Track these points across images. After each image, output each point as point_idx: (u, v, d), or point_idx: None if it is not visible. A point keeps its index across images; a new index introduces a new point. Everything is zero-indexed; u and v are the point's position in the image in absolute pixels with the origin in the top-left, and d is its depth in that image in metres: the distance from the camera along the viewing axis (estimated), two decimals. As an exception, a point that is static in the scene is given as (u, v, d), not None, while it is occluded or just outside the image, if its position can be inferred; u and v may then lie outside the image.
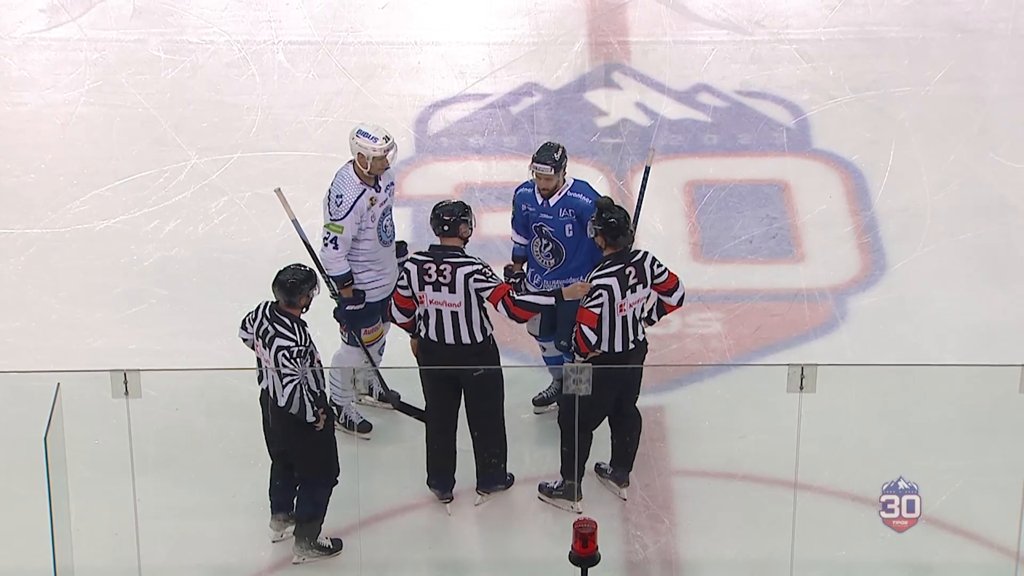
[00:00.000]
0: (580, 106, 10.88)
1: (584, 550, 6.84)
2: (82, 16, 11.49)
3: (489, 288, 7.74)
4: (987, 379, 8.24)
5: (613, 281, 7.72)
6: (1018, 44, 11.40)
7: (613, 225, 7.73)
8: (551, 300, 7.79)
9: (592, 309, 7.71)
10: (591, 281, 7.72)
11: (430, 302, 7.80)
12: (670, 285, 7.83)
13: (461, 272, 7.75)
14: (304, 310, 7.61)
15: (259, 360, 7.64)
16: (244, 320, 7.69)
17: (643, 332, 7.85)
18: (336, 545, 7.82)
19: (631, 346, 7.80)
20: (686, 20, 10.59)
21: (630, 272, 7.73)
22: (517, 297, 7.76)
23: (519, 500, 8.09)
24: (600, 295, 7.71)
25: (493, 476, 8.03)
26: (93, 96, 10.93)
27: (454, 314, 7.78)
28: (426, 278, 7.77)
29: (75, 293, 9.45)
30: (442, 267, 7.77)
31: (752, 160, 10.45)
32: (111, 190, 10.18)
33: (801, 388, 7.20)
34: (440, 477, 8.03)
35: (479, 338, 7.81)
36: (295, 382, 7.46)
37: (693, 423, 8.54)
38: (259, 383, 7.64)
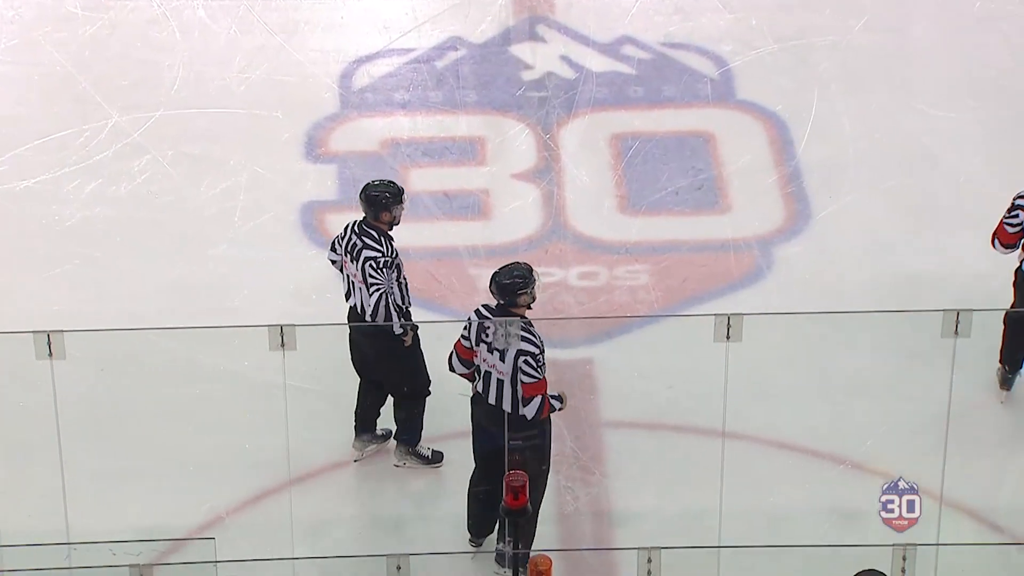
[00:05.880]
0: (505, 60, 10.83)
1: (515, 503, 6.88)
2: (-3, -27, 11.29)
3: (532, 380, 7.33)
4: (910, 325, 8.34)
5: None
6: (940, -7, 11.46)
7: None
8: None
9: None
10: None
11: (482, 360, 7.44)
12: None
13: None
14: (390, 226, 7.80)
15: (346, 277, 7.85)
16: (333, 242, 7.95)
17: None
18: (436, 457, 8.01)
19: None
20: (609, -28, 10.56)
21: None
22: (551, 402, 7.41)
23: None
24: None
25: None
26: (10, 55, 10.76)
27: (500, 381, 7.41)
28: (484, 336, 7.43)
29: (-4, 255, 9.33)
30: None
31: (677, 112, 10.46)
32: (31, 150, 10.04)
33: (728, 337, 7.23)
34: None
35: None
36: (381, 290, 7.70)
37: (622, 375, 8.57)
38: (346, 300, 7.89)
